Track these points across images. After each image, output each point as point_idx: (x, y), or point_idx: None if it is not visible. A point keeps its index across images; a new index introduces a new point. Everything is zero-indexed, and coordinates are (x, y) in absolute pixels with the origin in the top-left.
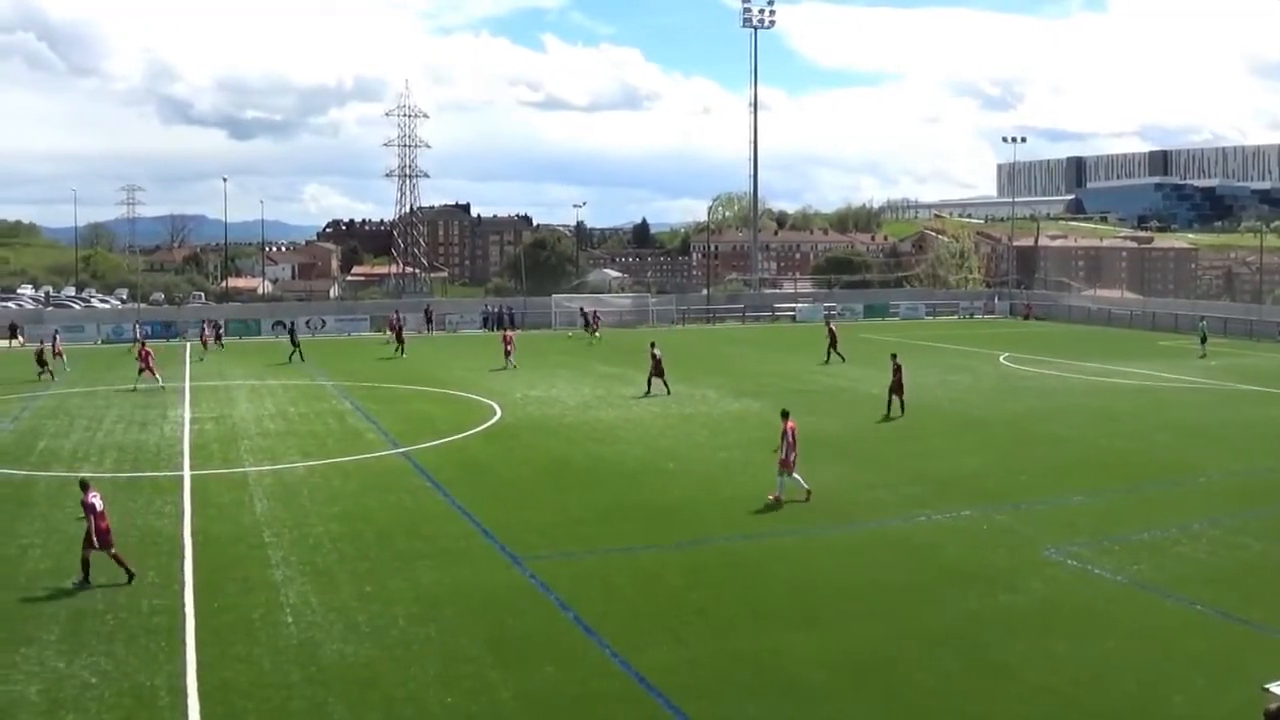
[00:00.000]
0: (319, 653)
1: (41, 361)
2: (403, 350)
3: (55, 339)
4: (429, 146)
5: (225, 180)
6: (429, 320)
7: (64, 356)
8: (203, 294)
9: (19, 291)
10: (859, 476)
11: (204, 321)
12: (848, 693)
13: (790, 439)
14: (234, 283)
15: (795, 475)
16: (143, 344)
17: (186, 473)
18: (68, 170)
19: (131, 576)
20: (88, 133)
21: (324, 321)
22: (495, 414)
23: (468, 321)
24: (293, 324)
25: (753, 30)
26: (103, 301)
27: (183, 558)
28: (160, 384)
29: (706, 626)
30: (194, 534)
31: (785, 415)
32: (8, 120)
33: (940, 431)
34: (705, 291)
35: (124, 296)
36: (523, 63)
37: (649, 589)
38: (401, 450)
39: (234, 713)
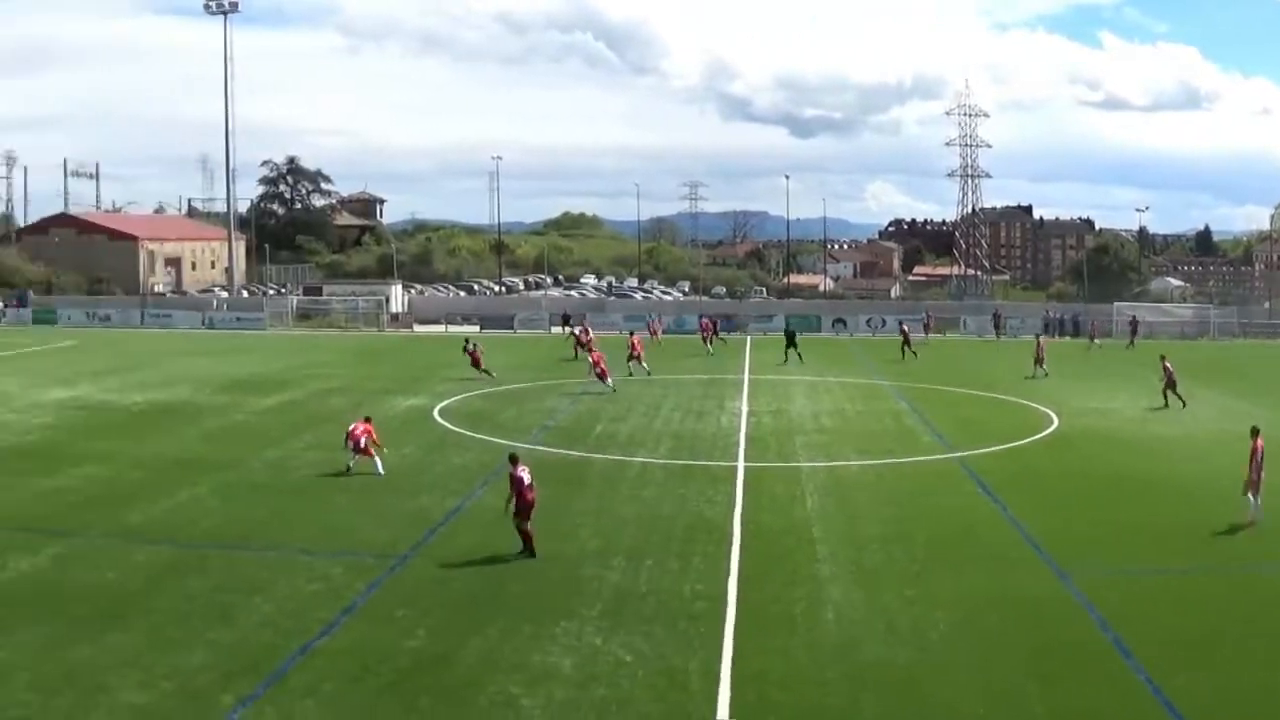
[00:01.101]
0: (857, 652)
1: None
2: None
3: (583, 325)
4: (989, 146)
5: (787, 178)
6: (996, 325)
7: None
8: (764, 289)
9: (582, 281)
10: None
11: (702, 316)
12: None
13: (1259, 458)
14: (795, 279)
15: (1256, 497)
16: (632, 334)
17: (740, 464)
18: (630, 165)
19: (532, 555)
20: (648, 128)
21: (884, 321)
22: (1052, 423)
23: (1028, 327)
24: (791, 328)
25: None
26: (664, 293)
27: (730, 546)
28: (644, 373)
29: (1244, 657)
30: (743, 524)
31: (1255, 433)
32: (571, 116)
33: None
34: (1266, 305)
35: (685, 289)
36: (1080, 60)
37: (1193, 613)
38: (956, 454)
39: (766, 703)
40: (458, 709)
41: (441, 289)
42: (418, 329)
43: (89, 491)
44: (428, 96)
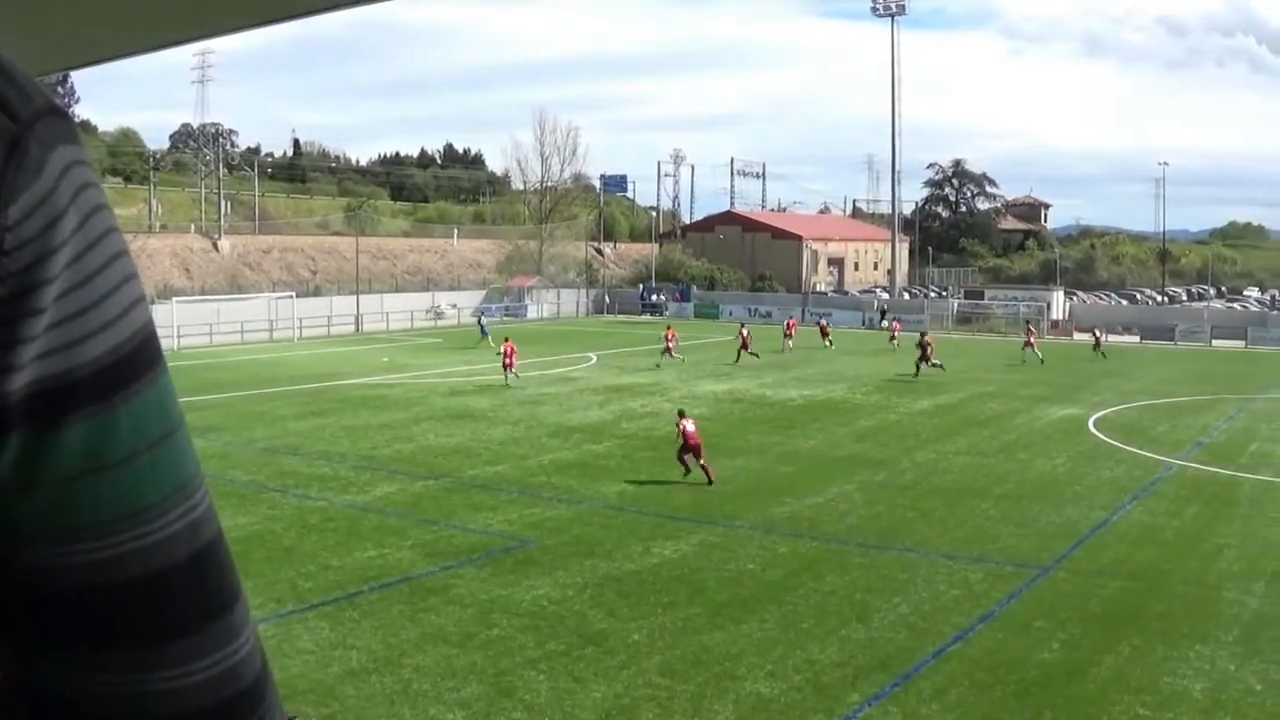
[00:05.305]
0: None
1: None
2: None
3: None
4: None
5: None
6: None
7: None
8: None
9: (1245, 294)
10: None
11: None
12: None
13: None
14: None
15: None
16: None
17: None
18: None
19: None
20: None
21: None
22: None
23: None
24: None
25: None
26: None
27: None
28: None
29: None
30: None
31: None
32: (1235, 122)
33: None
34: None
35: None
36: None
37: None
38: None
39: None
40: None
41: (1103, 296)
42: (1077, 336)
43: (740, 483)
44: (1092, 100)
